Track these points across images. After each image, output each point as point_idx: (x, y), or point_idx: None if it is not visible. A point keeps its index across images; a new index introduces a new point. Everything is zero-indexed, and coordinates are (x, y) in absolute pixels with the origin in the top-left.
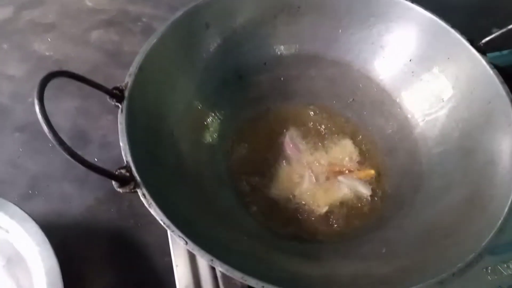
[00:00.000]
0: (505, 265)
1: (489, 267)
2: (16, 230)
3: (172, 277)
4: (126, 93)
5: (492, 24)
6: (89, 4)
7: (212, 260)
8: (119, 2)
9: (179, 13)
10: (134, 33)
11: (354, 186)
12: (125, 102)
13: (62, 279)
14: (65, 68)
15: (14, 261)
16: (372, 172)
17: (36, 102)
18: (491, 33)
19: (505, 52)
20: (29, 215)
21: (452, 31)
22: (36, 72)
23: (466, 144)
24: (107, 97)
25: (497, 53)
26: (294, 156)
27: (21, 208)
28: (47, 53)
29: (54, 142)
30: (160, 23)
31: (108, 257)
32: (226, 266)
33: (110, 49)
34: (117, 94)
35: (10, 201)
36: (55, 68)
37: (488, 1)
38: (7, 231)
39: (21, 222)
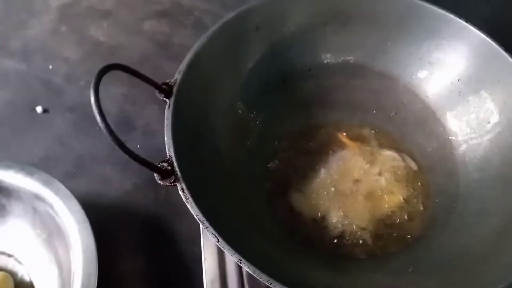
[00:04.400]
0: None
1: None
2: (59, 206)
3: (199, 268)
4: (175, 89)
5: None
6: None
7: (240, 260)
8: None
9: (231, 14)
10: (185, 26)
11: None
12: (172, 98)
13: (97, 257)
14: (117, 55)
15: (55, 235)
16: (400, 199)
17: (92, 92)
18: None
19: None
20: (72, 193)
21: (505, 54)
22: (90, 57)
23: (506, 173)
24: (156, 91)
25: None
26: (339, 171)
27: (65, 186)
28: (101, 39)
29: (105, 132)
30: (211, 18)
31: (141, 241)
32: (253, 268)
33: (161, 40)
34: (165, 90)
35: (56, 177)
36: (108, 54)
37: None
38: (51, 207)
39: (64, 199)
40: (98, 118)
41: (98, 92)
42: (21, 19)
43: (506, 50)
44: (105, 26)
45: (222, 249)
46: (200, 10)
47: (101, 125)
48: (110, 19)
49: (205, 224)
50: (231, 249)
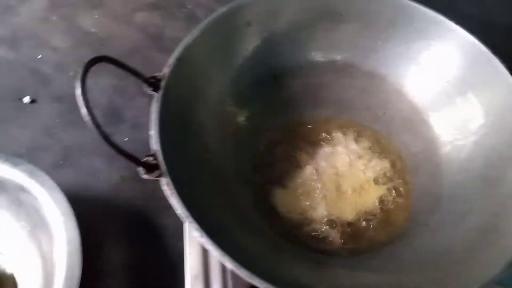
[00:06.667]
0: None
1: None
2: (44, 198)
3: (183, 262)
4: (163, 84)
5: None
6: None
7: (223, 256)
8: None
9: (223, 9)
10: (177, 18)
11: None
12: (160, 92)
13: (81, 250)
14: (107, 46)
15: (39, 228)
16: (383, 197)
17: (78, 84)
18: None
19: None
20: (58, 185)
21: (493, 57)
22: (80, 47)
23: (490, 174)
24: (144, 84)
25: None
26: (325, 167)
27: (51, 178)
28: (92, 29)
29: (90, 125)
30: (204, 11)
31: (126, 234)
32: (235, 264)
33: (152, 32)
34: (153, 83)
35: (42, 169)
36: (98, 45)
37: None
38: (36, 199)
39: (50, 191)
40: (83, 111)
41: (84, 84)
42: (9, 5)
43: (494, 53)
44: (96, 16)
45: (204, 245)
46: (193, 3)
47: (87, 118)
48: (101, 9)
49: (188, 220)
50: (213, 244)
